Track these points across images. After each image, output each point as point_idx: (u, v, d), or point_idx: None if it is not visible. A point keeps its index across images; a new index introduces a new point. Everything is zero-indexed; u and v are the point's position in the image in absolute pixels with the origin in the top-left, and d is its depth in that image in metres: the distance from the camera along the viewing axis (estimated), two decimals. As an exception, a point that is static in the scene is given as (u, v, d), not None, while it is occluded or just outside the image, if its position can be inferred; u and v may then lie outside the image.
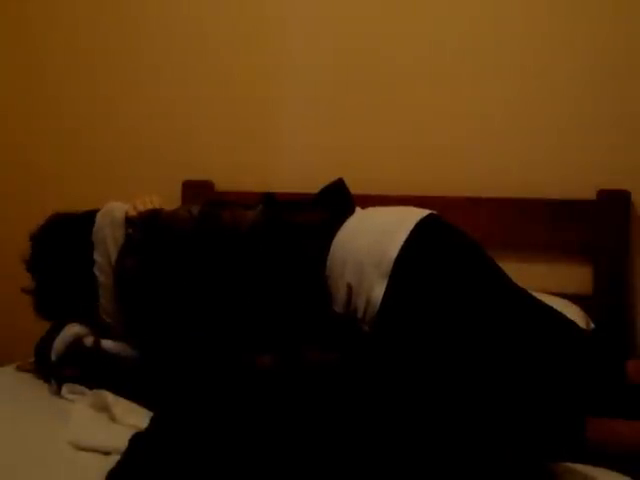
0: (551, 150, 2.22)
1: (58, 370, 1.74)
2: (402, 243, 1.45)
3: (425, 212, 1.54)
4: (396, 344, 1.42)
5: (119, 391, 1.59)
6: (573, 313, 1.86)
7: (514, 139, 2.25)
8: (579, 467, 1.28)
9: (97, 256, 1.76)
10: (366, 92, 2.40)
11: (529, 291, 1.53)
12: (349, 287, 1.48)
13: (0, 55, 2.86)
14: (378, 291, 1.44)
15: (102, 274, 1.76)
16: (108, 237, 1.76)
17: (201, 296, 1.61)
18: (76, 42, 2.75)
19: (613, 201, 2.11)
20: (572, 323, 1.51)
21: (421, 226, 1.50)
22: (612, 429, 1.30)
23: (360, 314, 1.47)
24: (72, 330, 1.79)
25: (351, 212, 1.63)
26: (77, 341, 1.76)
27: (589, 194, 2.14)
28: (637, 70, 2.13)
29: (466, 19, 2.30)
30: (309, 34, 2.46)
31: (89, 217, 1.83)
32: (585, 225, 2.12)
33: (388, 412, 1.25)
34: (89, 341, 1.76)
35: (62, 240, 1.84)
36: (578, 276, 2.17)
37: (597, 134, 2.17)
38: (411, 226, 1.49)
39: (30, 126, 2.82)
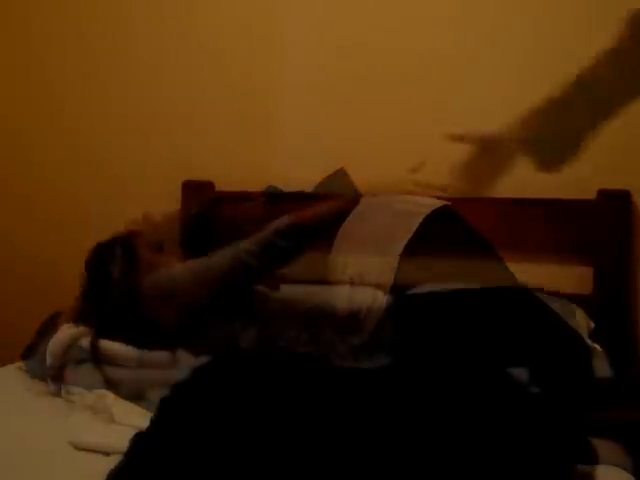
0: (551, 150, 2.21)
1: (56, 372, 1.74)
2: (411, 234, 1.45)
3: (439, 203, 1.54)
4: (407, 340, 1.42)
5: (119, 391, 1.59)
6: (573, 313, 1.86)
7: (514, 139, 2.25)
8: (579, 467, 1.28)
9: None
10: (368, 91, 2.40)
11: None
12: (352, 280, 1.48)
13: (0, 55, 2.86)
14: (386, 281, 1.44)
15: None
16: None
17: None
18: (76, 42, 2.74)
19: (613, 201, 2.11)
20: (572, 329, 1.52)
21: (434, 217, 1.50)
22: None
23: (365, 307, 1.46)
24: (67, 332, 1.78)
25: (356, 202, 1.62)
26: (73, 342, 1.76)
27: (589, 194, 2.14)
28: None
29: (467, 19, 2.30)
30: (309, 32, 2.45)
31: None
32: (585, 225, 2.12)
33: (400, 406, 1.23)
34: (86, 342, 1.75)
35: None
36: (578, 276, 2.17)
37: (597, 134, 2.17)
38: (423, 215, 1.49)
39: (30, 126, 2.81)
